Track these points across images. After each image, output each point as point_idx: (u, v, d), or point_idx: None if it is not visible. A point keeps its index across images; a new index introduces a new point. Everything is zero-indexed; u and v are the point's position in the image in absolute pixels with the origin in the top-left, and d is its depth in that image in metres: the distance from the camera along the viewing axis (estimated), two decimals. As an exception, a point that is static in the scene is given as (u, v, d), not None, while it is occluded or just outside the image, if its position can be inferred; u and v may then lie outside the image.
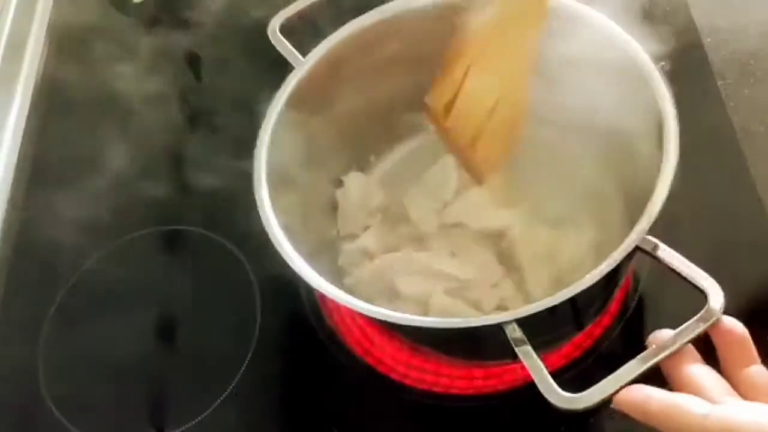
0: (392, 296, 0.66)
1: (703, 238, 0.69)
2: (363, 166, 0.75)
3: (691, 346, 0.50)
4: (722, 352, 0.50)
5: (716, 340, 0.50)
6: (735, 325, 0.50)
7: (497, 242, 0.67)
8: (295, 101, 0.66)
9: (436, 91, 0.68)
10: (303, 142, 0.68)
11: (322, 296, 0.58)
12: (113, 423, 0.70)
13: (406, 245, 0.69)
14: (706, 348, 0.51)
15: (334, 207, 0.73)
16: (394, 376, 0.68)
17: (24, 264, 0.81)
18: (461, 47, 0.66)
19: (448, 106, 0.67)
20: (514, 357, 0.51)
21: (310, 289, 0.57)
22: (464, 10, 0.65)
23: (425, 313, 0.64)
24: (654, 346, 0.50)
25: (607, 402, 0.49)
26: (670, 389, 0.49)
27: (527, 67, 0.65)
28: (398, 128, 0.74)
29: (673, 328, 0.50)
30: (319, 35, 0.68)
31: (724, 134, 0.76)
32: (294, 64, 0.68)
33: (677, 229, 0.67)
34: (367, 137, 0.73)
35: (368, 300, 0.60)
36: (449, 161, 0.72)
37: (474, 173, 0.69)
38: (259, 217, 0.60)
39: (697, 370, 0.49)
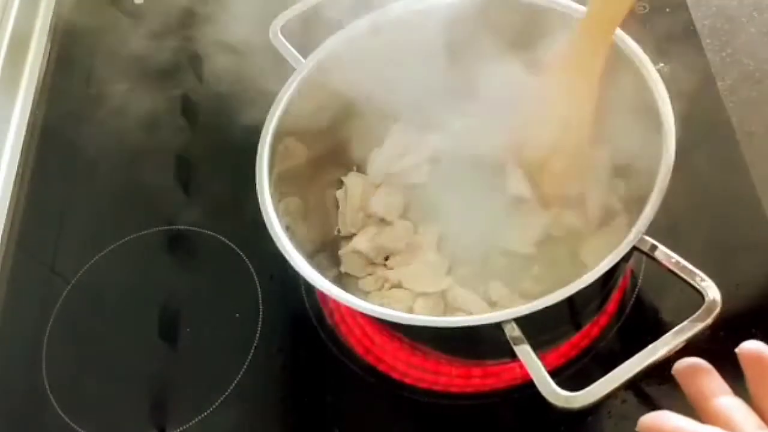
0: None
1: (702, 238, 0.68)
2: (364, 167, 0.75)
3: (719, 379, 0.49)
4: (750, 378, 0.47)
5: (744, 365, 0.47)
6: (763, 350, 0.47)
7: None
8: (297, 102, 0.67)
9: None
10: (304, 143, 0.69)
11: (323, 295, 0.59)
12: (115, 421, 0.70)
13: (400, 247, 0.69)
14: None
15: (335, 207, 0.73)
16: (394, 374, 0.68)
17: (26, 264, 0.81)
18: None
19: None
20: (513, 356, 0.52)
21: (311, 289, 0.58)
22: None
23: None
24: (651, 346, 0.50)
25: (605, 401, 0.50)
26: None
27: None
28: (402, 128, 0.74)
29: (670, 327, 0.50)
30: (320, 37, 0.68)
31: (723, 135, 0.76)
32: (295, 66, 0.68)
33: (675, 230, 0.67)
34: (369, 138, 0.74)
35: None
36: None
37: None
38: (261, 217, 0.60)
39: (728, 402, 0.47)
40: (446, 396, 0.66)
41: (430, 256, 0.68)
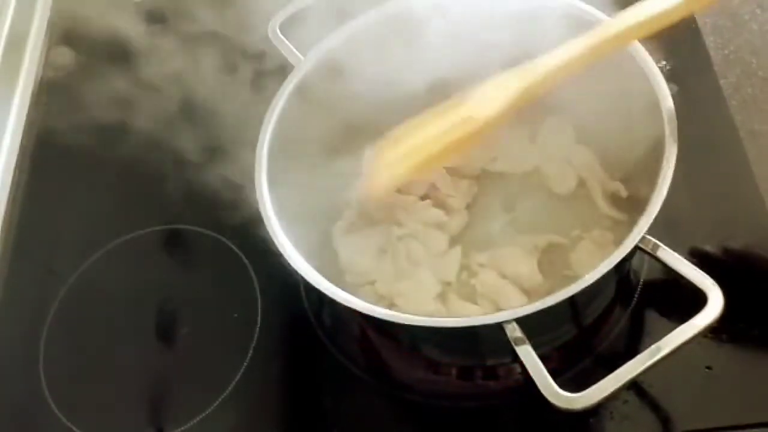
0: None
1: (704, 238, 0.68)
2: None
3: None
4: None
5: None
6: None
7: None
8: (296, 100, 0.66)
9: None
10: (303, 140, 0.68)
11: (323, 295, 0.58)
12: (113, 422, 0.69)
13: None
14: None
15: (335, 205, 0.73)
16: (394, 375, 0.68)
17: (24, 263, 0.81)
18: None
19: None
20: (514, 356, 0.52)
21: (310, 288, 0.57)
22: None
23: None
24: (653, 346, 0.50)
25: (607, 401, 0.50)
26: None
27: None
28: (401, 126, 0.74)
29: (672, 328, 0.50)
30: (319, 34, 0.68)
31: (726, 133, 0.75)
32: (294, 64, 0.68)
33: (677, 229, 0.67)
34: (369, 135, 0.73)
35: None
36: None
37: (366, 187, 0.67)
38: (260, 216, 0.60)
39: None
40: (447, 397, 0.66)
41: (425, 276, 0.67)
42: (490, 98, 0.62)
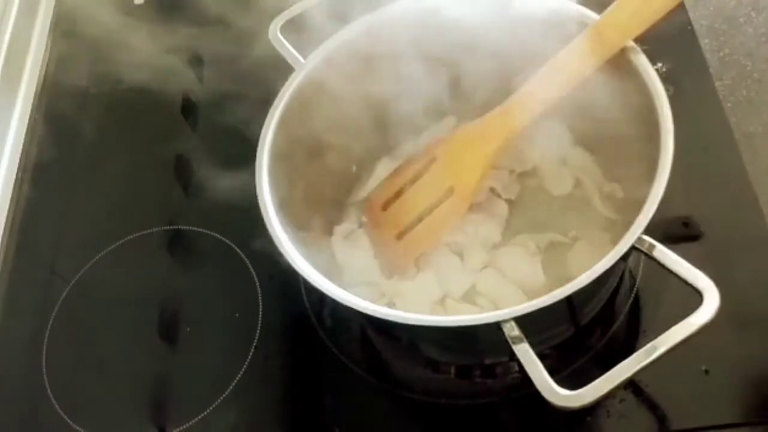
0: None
1: (699, 237, 0.69)
2: (364, 167, 0.75)
3: None
4: None
5: None
6: None
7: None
8: (297, 102, 0.67)
9: (383, 186, 0.71)
10: (304, 142, 0.69)
11: (323, 294, 0.59)
12: (116, 421, 0.70)
13: None
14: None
15: (336, 205, 0.73)
16: (394, 374, 0.69)
17: (27, 264, 0.81)
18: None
19: (391, 200, 0.70)
20: (512, 355, 0.52)
21: (311, 288, 0.58)
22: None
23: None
24: (649, 345, 0.50)
25: (603, 400, 0.50)
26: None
27: (485, 165, 0.67)
28: (401, 128, 0.74)
29: (668, 326, 0.50)
30: (319, 37, 0.69)
31: (721, 135, 0.76)
32: (295, 66, 0.68)
33: (673, 229, 0.67)
34: (370, 137, 0.74)
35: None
36: None
37: (387, 267, 0.69)
38: (261, 217, 0.60)
39: None
40: (446, 395, 0.66)
41: (428, 279, 0.68)
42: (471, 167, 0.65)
